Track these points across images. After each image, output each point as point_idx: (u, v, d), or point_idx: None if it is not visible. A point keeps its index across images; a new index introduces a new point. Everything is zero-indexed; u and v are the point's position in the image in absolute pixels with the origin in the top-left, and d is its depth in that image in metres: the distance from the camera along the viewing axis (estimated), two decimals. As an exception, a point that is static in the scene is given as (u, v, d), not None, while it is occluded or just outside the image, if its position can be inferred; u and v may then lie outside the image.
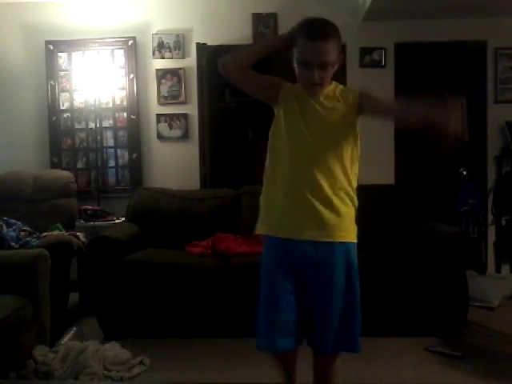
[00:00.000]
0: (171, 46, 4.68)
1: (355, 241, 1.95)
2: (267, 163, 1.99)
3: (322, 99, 1.90)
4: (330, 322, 1.88)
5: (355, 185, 1.95)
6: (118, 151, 4.80)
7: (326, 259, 1.87)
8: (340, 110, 1.89)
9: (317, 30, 1.81)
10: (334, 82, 1.96)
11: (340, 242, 1.89)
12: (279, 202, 1.91)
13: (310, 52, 1.80)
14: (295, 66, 1.87)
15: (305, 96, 1.91)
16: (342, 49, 1.90)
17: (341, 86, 1.95)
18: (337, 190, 1.88)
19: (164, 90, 4.71)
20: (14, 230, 3.54)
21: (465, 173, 4.62)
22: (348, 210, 1.92)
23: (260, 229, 1.98)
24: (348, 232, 1.93)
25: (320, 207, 1.85)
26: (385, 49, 4.70)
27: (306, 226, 1.87)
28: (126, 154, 4.79)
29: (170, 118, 4.72)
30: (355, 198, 1.95)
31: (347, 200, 1.92)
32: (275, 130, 1.97)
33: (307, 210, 1.86)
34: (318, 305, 1.89)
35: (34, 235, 3.60)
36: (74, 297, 3.76)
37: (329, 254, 1.87)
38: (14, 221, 3.67)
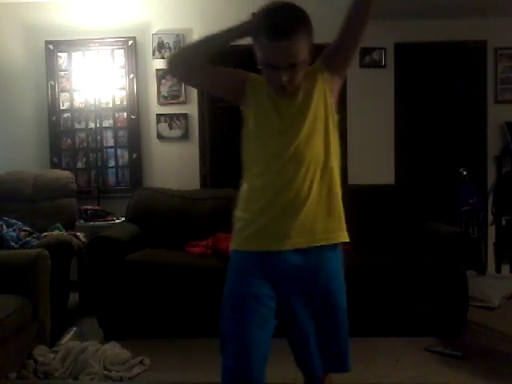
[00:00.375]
0: (171, 45, 4.68)
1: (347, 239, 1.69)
2: (244, 174, 1.70)
3: (294, 92, 1.62)
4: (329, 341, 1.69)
5: (339, 165, 1.68)
6: (118, 151, 4.80)
7: (318, 267, 1.62)
8: (315, 97, 1.61)
9: (280, 26, 1.48)
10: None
11: (332, 245, 1.65)
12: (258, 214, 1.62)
13: (274, 54, 1.50)
14: (262, 66, 1.58)
15: (273, 93, 1.64)
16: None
17: (308, 69, 1.63)
18: (323, 188, 1.62)
19: (164, 90, 4.72)
20: (14, 230, 3.54)
21: (465, 173, 4.62)
22: (337, 205, 1.66)
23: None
24: (341, 231, 1.68)
25: (305, 210, 1.58)
26: (385, 49, 4.71)
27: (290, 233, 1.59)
28: (126, 154, 4.79)
29: (170, 118, 4.72)
30: (339, 188, 1.67)
31: (335, 197, 1.64)
32: (247, 133, 1.69)
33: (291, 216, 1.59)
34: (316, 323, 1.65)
35: (34, 235, 3.59)
36: (74, 297, 3.75)
37: (320, 261, 1.63)
38: (14, 221, 3.67)
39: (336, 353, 1.75)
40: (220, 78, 1.73)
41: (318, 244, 1.61)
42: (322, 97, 1.63)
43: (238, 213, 1.68)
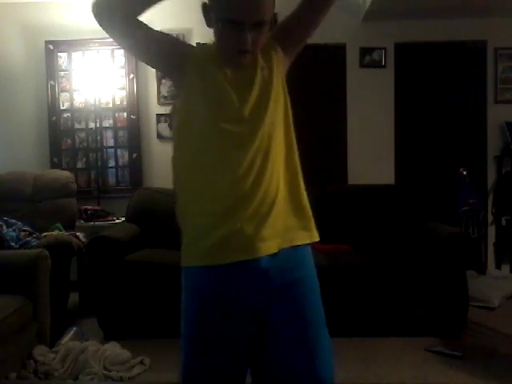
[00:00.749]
0: (171, 45, 4.68)
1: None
2: (177, 168, 1.43)
3: (251, 67, 1.39)
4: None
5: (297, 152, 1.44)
6: (118, 151, 4.80)
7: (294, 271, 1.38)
8: (274, 75, 1.41)
9: None
10: None
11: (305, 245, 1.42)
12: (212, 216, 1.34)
13: (239, 6, 1.26)
14: (215, 26, 1.33)
15: (227, 63, 1.38)
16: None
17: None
18: (288, 179, 1.40)
19: (164, 90, 4.71)
20: (14, 230, 3.54)
21: (465, 173, 4.62)
22: (305, 201, 1.44)
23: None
24: (312, 230, 1.44)
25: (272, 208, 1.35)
26: (385, 49, 4.70)
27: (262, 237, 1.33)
28: (126, 154, 4.79)
29: (170, 118, 4.72)
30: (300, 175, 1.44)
31: (299, 189, 1.43)
32: (187, 118, 1.39)
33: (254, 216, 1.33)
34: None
35: (34, 235, 3.59)
36: (74, 297, 3.75)
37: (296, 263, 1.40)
38: (14, 221, 3.67)
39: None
40: (159, 43, 1.41)
41: (290, 245, 1.37)
42: (280, 75, 1.43)
43: (190, 218, 1.37)
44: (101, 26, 1.33)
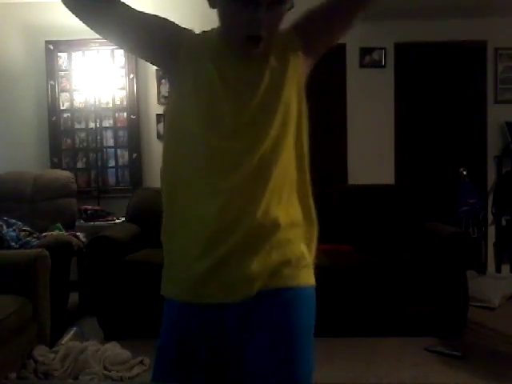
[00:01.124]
0: (171, 45, 4.68)
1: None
2: (162, 183, 1.24)
3: (261, 62, 1.12)
4: None
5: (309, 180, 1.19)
6: (118, 151, 4.80)
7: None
8: (287, 79, 1.13)
9: None
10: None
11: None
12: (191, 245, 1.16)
13: None
14: (219, 5, 1.10)
15: (228, 56, 1.12)
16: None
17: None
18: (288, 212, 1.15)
19: (164, 90, 4.71)
20: (14, 230, 3.54)
21: (465, 173, 4.62)
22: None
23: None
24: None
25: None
26: (385, 49, 4.70)
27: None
28: (126, 154, 4.79)
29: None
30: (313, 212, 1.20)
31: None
32: (173, 126, 1.16)
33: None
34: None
35: (34, 235, 3.59)
36: (73, 297, 3.75)
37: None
38: (14, 221, 3.67)
39: None
40: (145, 23, 1.16)
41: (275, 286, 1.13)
42: (295, 80, 1.14)
43: (168, 243, 1.25)
44: (80, 18, 1.20)
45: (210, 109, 1.10)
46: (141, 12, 1.16)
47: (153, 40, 1.15)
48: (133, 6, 1.19)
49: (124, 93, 4.73)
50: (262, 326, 1.10)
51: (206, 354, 1.14)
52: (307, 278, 1.16)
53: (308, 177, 1.17)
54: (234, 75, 1.11)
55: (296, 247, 1.15)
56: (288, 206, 1.14)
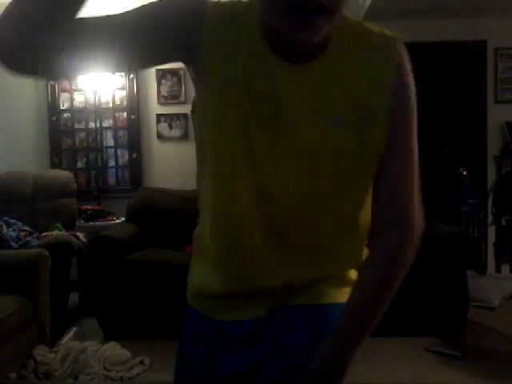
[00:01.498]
0: (171, 45, 4.68)
1: None
2: (197, 185, 1.12)
3: (318, 66, 0.83)
4: None
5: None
6: (118, 151, 4.80)
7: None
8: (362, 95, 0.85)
9: None
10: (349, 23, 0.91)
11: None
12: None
13: None
14: None
15: (268, 53, 0.81)
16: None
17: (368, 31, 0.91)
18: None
19: (164, 90, 4.71)
20: (14, 230, 3.54)
21: (465, 173, 4.62)
22: None
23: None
24: None
25: None
26: (385, 49, 4.70)
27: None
28: (126, 154, 4.79)
29: (169, 118, 4.72)
30: None
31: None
32: (201, 136, 0.94)
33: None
34: None
35: (34, 235, 3.59)
36: (74, 297, 3.75)
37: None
38: (14, 221, 3.67)
39: None
40: (133, 37, 0.83)
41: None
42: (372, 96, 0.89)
43: (198, 247, 1.14)
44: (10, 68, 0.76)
45: (227, 139, 0.87)
46: (117, 17, 0.84)
47: (155, 53, 0.84)
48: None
49: (124, 93, 4.73)
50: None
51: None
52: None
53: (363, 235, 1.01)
54: (276, 89, 0.81)
55: None
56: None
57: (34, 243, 3.43)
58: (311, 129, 0.83)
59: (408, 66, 0.94)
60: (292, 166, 0.85)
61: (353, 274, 1.03)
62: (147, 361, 2.87)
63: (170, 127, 4.73)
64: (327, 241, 0.93)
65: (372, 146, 0.86)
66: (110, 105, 4.74)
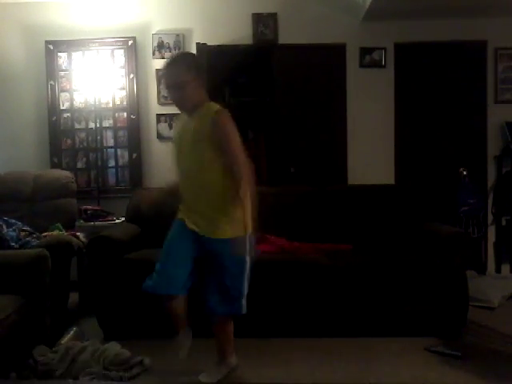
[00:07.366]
0: (171, 45, 4.68)
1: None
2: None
3: (194, 118, 2.43)
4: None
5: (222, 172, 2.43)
6: (118, 151, 4.80)
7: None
8: (204, 129, 2.39)
9: (168, 60, 2.52)
10: (209, 103, 2.46)
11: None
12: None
13: (165, 76, 2.53)
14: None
15: (185, 115, 2.52)
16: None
17: (211, 107, 2.45)
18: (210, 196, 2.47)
19: (164, 90, 4.71)
20: (14, 230, 3.54)
21: (465, 173, 4.62)
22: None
23: None
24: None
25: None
26: (385, 49, 4.71)
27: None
28: (126, 154, 4.80)
29: (170, 118, 4.72)
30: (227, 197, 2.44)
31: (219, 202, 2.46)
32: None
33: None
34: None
35: (34, 235, 3.59)
36: (73, 297, 3.75)
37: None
38: (13, 221, 3.67)
39: (230, 298, 2.54)
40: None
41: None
42: (206, 130, 2.43)
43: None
44: None
45: (176, 144, 2.62)
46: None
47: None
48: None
49: (124, 93, 4.73)
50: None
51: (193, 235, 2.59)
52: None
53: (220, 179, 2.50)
54: (184, 127, 2.57)
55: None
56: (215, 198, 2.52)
57: (34, 243, 3.43)
58: (193, 141, 2.47)
59: (223, 117, 2.42)
60: (186, 158, 2.51)
61: (239, 213, 2.44)
62: (147, 361, 2.86)
63: (170, 127, 4.73)
64: (207, 190, 2.48)
65: (207, 142, 2.42)
66: (110, 105, 4.74)
